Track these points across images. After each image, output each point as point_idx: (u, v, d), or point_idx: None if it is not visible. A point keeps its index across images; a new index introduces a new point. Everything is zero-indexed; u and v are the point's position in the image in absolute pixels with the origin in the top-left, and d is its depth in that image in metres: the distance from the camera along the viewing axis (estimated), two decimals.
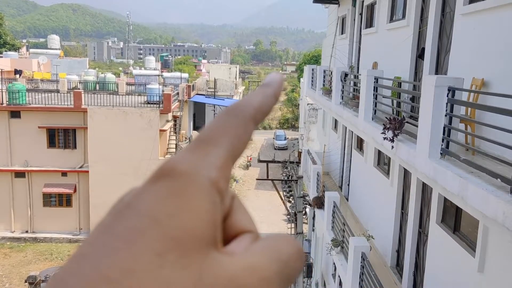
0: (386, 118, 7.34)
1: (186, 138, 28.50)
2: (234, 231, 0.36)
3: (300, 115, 42.12)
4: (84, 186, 24.39)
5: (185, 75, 38.49)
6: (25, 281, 19.18)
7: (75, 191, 24.67)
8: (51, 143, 24.47)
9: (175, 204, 0.31)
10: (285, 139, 48.35)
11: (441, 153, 6.02)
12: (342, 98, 11.66)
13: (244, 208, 0.38)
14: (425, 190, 8.98)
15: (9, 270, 22.52)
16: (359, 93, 9.54)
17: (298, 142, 43.31)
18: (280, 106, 68.59)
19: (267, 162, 18.72)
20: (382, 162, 11.54)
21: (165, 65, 68.42)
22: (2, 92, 24.02)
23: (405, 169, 9.58)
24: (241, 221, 0.37)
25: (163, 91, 25.34)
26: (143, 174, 21.68)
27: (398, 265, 10.38)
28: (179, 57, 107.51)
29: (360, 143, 13.56)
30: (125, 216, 0.30)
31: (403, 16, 10.35)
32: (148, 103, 24.82)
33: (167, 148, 24.99)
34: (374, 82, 8.75)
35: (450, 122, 5.99)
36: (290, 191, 19.06)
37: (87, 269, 0.28)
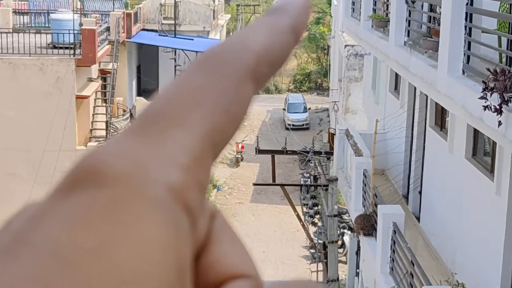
0: (489, 70, 6.09)
1: (124, 110, 20.54)
2: (218, 275, 0.23)
3: (332, 66, 29.94)
4: None
5: None
6: None
7: None
8: None
9: (105, 233, 0.20)
10: (305, 110, 32.20)
11: None
12: (409, 35, 9.79)
13: (233, 234, 0.25)
14: None
15: None
16: (438, 25, 8.16)
17: (328, 116, 31.63)
18: (296, 50, 49.74)
19: (273, 153, 14.75)
20: (481, 151, 9.33)
21: None
22: None
23: None
24: (228, 258, 0.24)
25: (81, 24, 18.05)
26: (48, 176, 15.61)
27: None
28: None
29: (441, 116, 10.87)
30: (15, 258, 0.19)
31: None
32: (55, 47, 17.38)
33: (91, 129, 17.95)
34: (467, 4, 7.38)
35: None
36: (315, 204, 15.16)
37: None
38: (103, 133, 17.38)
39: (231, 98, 0.24)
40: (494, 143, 8.20)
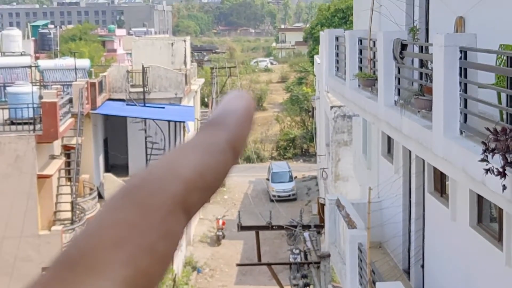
0: (488, 129, 5.69)
1: (91, 189, 18.74)
2: None
3: (318, 129, 27.66)
4: None
5: (85, 62, 24.16)
6: None
7: None
8: None
9: None
10: (291, 179, 29.58)
11: None
12: (399, 94, 9.21)
13: None
14: None
15: None
16: (431, 81, 7.84)
17: (316, 185, 29.48)
18: (278, 114, 39.86)
19: (257, 229, 13.76)
20: (487, 217, 8.69)
21: (43, 45, 42.14)
22: None
23: None
24: None
25: (40, 97, 16.53)
26: (9, 267, 14.15)
27: None
28: (70, 26, 65.05)
29: (440, 181, 10.25)
30: None
31: None
32: (13, 123, 15.87)
33: (55, 212, 16.14)
34: (460, 58, 6.94)
35: None
36: (307, 284, 13.77)
37: None
38: (69, 215, 15.69)
39: (157, 235, 0.21)
40: (500, 210, 7.52)
